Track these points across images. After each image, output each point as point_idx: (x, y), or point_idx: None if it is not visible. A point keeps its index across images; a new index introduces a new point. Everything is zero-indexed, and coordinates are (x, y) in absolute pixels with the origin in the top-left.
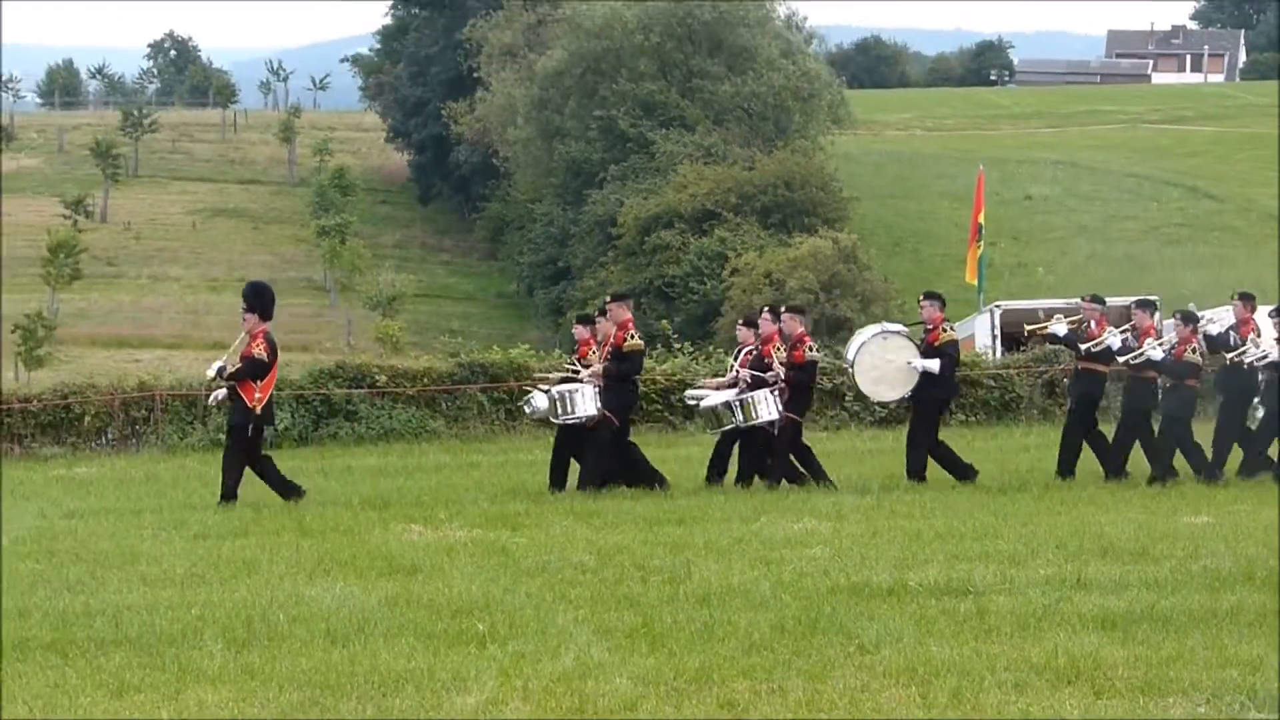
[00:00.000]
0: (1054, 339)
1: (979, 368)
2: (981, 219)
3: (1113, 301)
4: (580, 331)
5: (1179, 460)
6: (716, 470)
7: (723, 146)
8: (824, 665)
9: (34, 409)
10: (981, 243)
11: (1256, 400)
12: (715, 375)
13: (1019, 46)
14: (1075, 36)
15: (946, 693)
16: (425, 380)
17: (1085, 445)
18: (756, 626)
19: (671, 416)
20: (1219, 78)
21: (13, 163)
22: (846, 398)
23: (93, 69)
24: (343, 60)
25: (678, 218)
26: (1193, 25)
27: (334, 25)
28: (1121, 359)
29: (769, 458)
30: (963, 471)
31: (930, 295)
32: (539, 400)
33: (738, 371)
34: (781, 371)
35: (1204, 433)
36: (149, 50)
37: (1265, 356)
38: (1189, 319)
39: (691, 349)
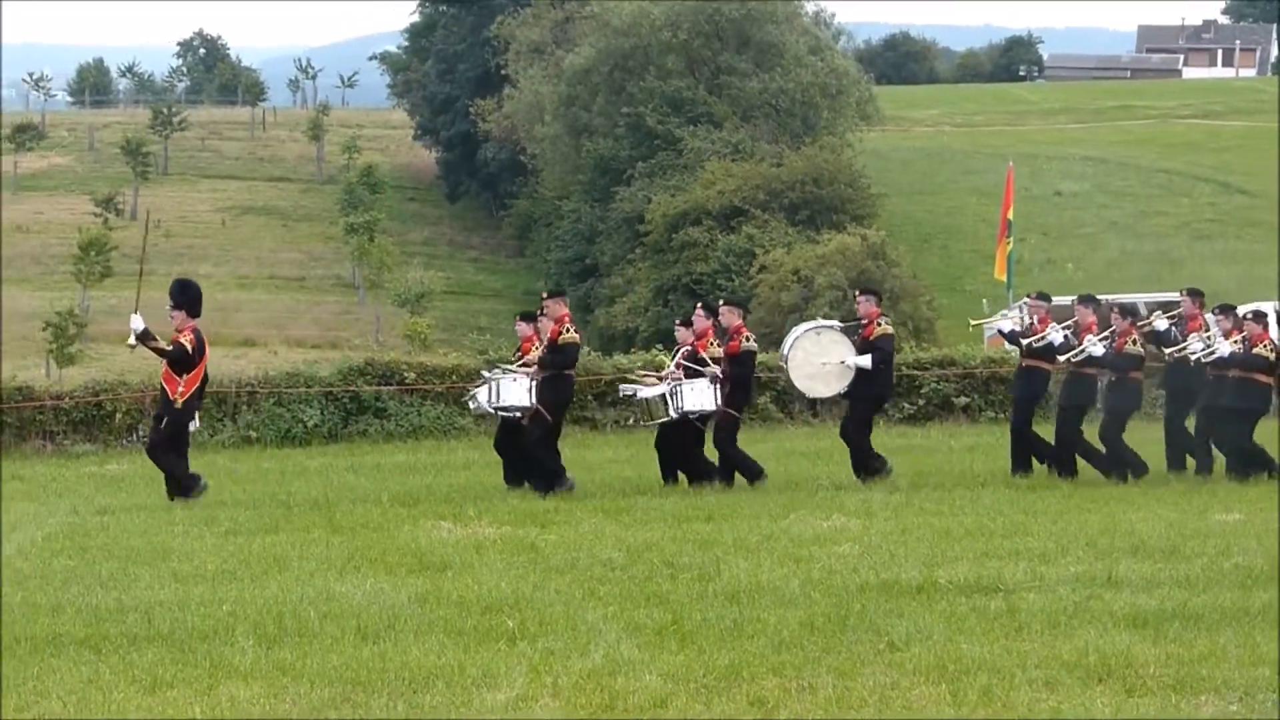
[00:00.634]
0: (998, 335)
1: (1009, 364)
2: (1011, 215)
3: (1140, 298)
4: (523, 328)
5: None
6: (670, 470)
7: (750, 143)
8: (854, 663)
9: (66, 406)
10: (1011, 239)
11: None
12: (657, 368)
13: (1048, 42)
14: (1105, 32)
15: (977, 690)
16: (454, 377)
17: (1010, 440)
18: (786, 624)
19: None
20: (1251, 72)
21: (43, 161)
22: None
23: (123, 67)
24: (371, 58)
25: (705, 215)
26: (1224, 20)
27: (362, 23)
28: (1062, 356)
29: (693, 457)
30: (878, 469)
31: (866, 290)
32: (480, 395)
33: (675, 367)
34: (717, 366)
35: (1150, 431)
36: (178, 49)
37: (1212, 353)
38: (1128, 312)
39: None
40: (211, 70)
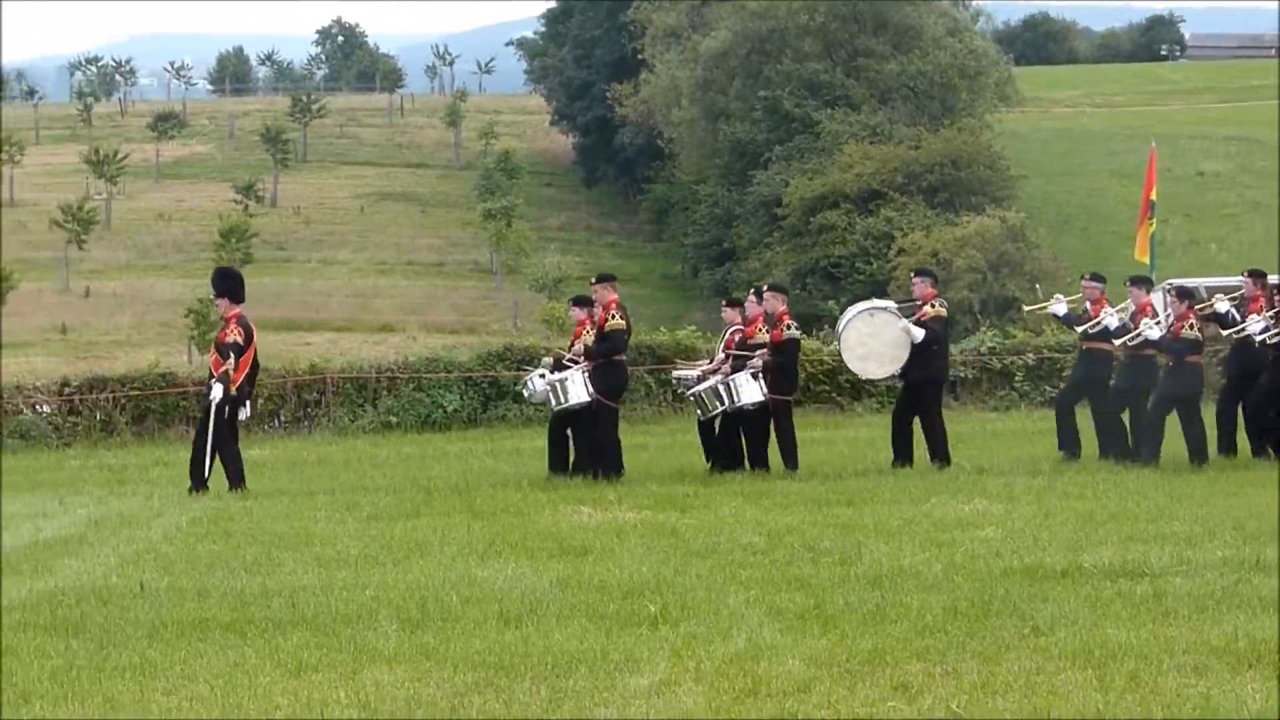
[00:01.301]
0: (1054, 319)
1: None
2: (1153, 195)
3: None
4: (577, 313)
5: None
6: (719, 455)
7: (888, 125)
8: (998, 647)
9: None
10: (1153, 220)
11: None
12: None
13: (1190, 21)
14: (1249, 10)
15: (1124, 676)
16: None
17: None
18: (929, 608)
19: (839, 397)
20: None
21: (184, 149)
22: (1016, 378)
23: (262, 56)
24: (508, 44)
25: (843, 198)
26: None
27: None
28: (1118, 340)
29: (755, 442)
30: (904, 459)
31: (922, 272)
32: (536, 383)
33: (723, 354)
34: (763, 352)
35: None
36: (317, 37)
37: (1277, 334)
38: (1185, 295)
39: None
40: (350, 57)
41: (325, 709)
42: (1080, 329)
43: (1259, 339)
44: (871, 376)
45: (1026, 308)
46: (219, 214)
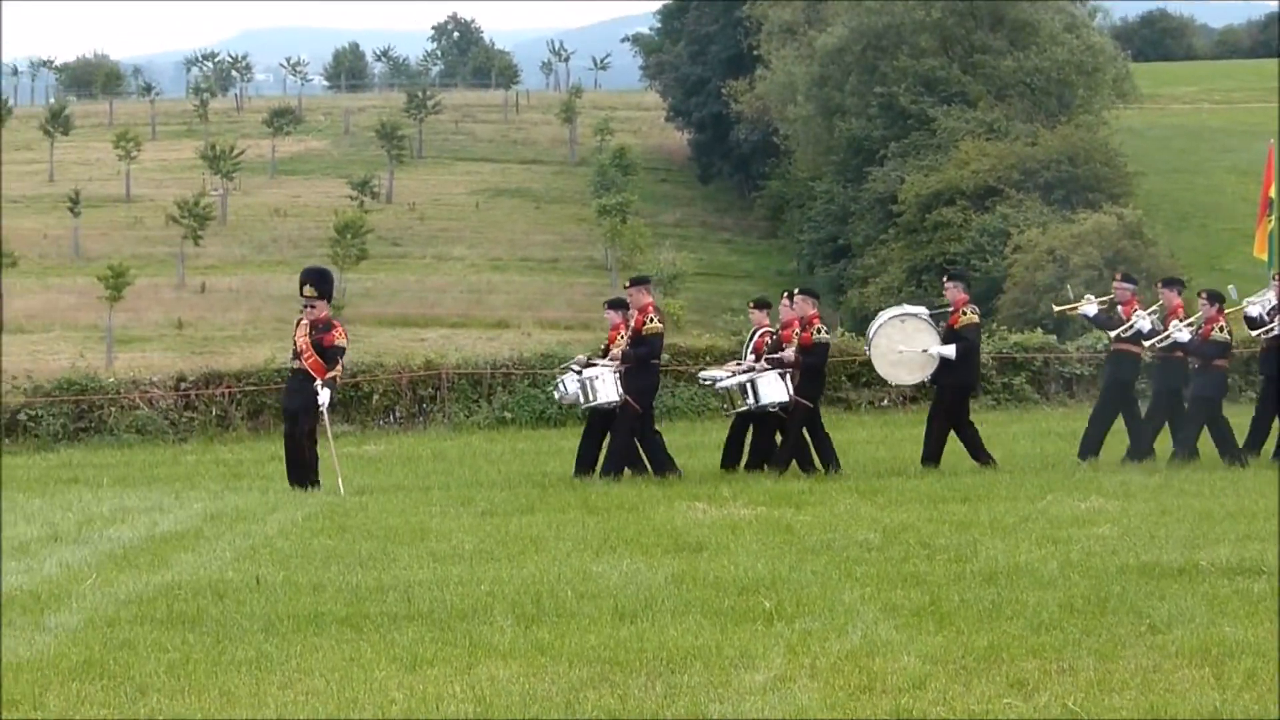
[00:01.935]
0: (1085, 319)
1: (1258, 344)
2: (1272, 193)
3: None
4: (612, 316)
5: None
6: (731, 455)
7: (1005, 122)
8: (1114, 644)
9: None
10: (1272, 217)
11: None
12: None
13: None
14: None
15: (1241, 674)
16: (707, 358)
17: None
18: (1045, 605)
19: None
20: None
21: (300, 145)
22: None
23: (378, 52)
24: (623, 40)
25: (959, 194)
26: None
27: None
28: (1148, 342)
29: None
30: (985, 459)
31: (954, 276)
32: (568, 384)
33: (752, 355)
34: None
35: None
36: (432, 33)
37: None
38: (1215, 298)
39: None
40: (465, 54)
41: (440, 704)
42: (1114, 332)
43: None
44: (902, 383)
45: (1057, 307)
46: (334, 210)
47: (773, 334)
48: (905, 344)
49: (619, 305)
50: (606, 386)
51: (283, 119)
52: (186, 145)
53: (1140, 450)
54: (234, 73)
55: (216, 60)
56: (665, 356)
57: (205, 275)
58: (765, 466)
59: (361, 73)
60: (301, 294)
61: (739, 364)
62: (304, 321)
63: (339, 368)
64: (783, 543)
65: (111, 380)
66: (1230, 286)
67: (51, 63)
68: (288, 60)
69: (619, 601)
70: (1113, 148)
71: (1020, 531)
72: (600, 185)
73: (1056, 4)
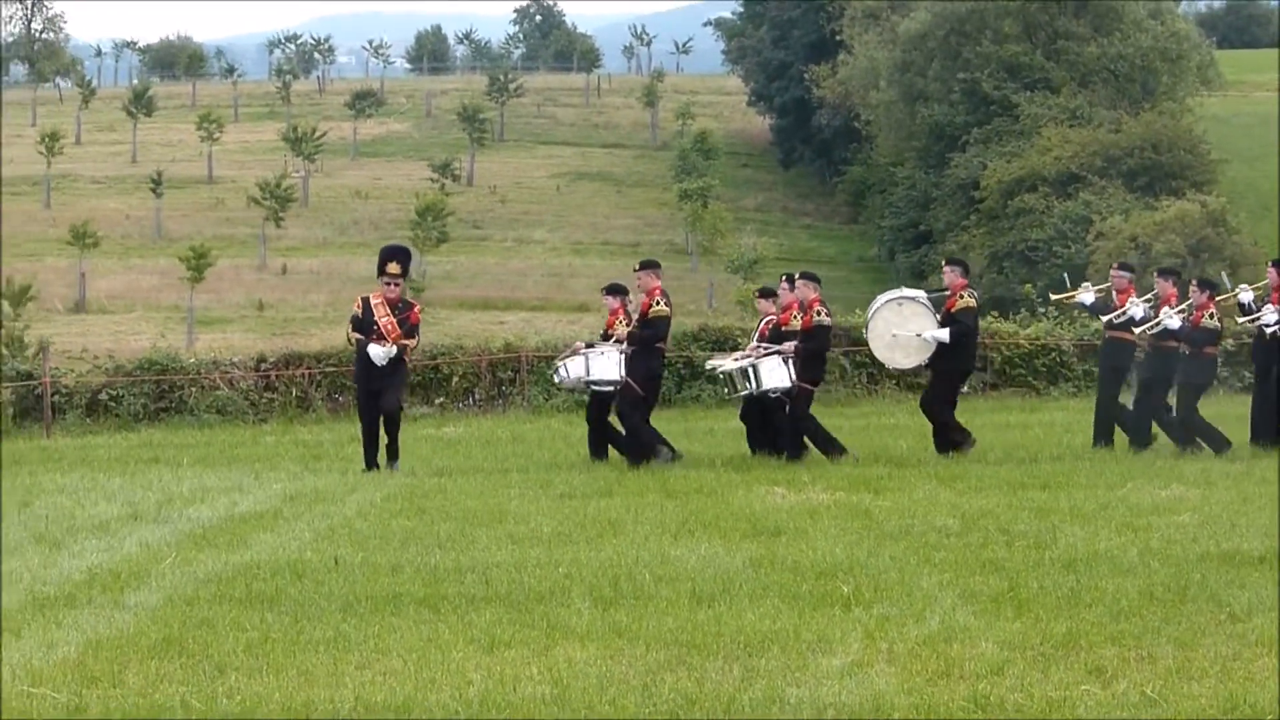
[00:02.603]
0: (1081, 308)
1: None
2: None
3: None
4: (610, 301)
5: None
6: (756, 438)
7: (1088, 109)
8: (1194, 633)
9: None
10: None
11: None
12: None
13: None
14: None
15: None
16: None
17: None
18: (1124, 593)
19: (1035, 381)
20: None
21: (382, 127)
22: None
23: (460, 35)
24: (705, 24)
25: (1041, 181)
26: None
27: None
28: (1138, 329)
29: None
30: (960, 443)
31: (953, 261)
32: (574, 367)
33: (756, 343)
34: (794, 341)
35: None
36: (514, 16)
37: None
38: (1205, 285)
39: (1055, 313)
40: (547, 37)
41: (517, 685)
42: (1106, 318)
43: (1270, 330)
44: (899, 367)
45: (1054, 296)
46: (415, 192)
47: (774, 320)
48: (900, 328)
49: (618, 291)
50: (609, 365)
51: (365, 101)
52: (268, 127)
53: (1141, 440)
54: (316, 55)
55: (299, 42)
56: (745, 341)
57: (286, 257)
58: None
59: (443, 55)
60: (384, 271)
61: (743, 353)
62: (379, 301)
63: (415, 340)
64: (861, 528)
65: (192, 361)
66: (1223, 273)
67: (135, 44)
68: (370, 43)
69: (697, 585)
70: (1196, 135)
71: (1100, 519)
72: (681, 169)
73: None
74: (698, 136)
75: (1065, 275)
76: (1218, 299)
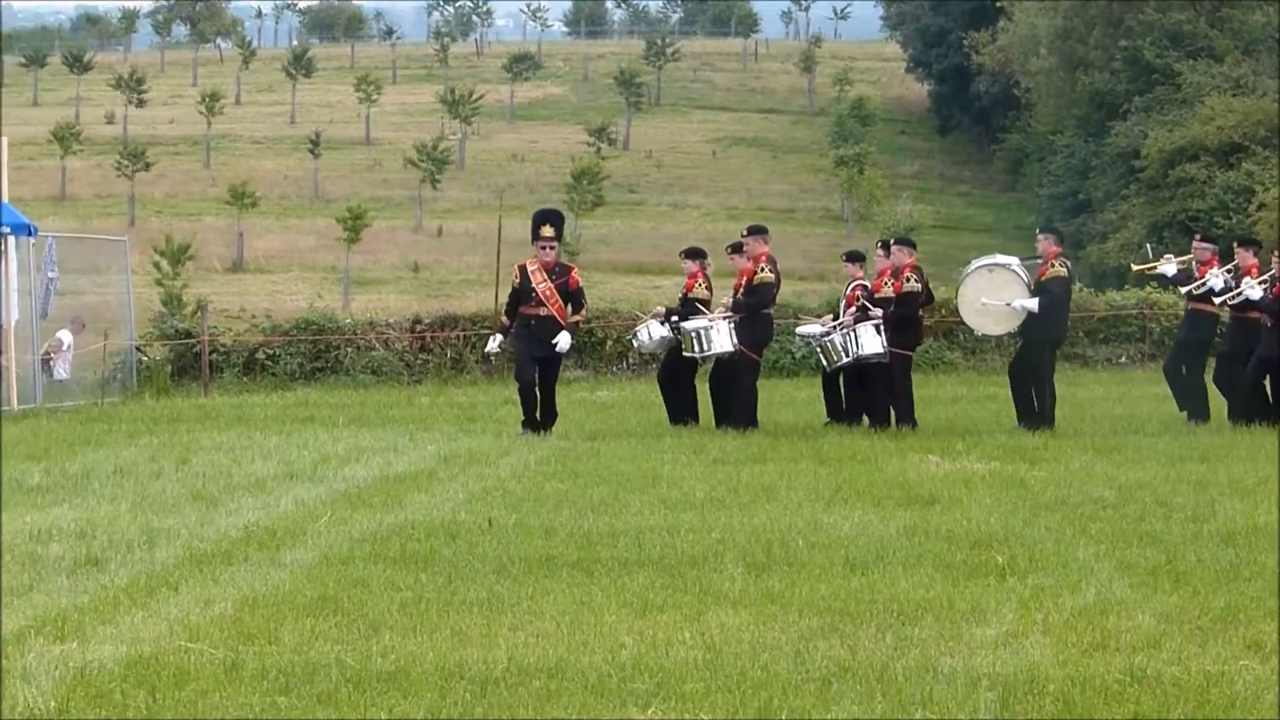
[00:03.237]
0: (1163, 279)
1: None
2: None
3: None
4: (689, 265)
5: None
6: (835, 408)
7: (1252, 78)
8: None
9: None
10: None
11: None
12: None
13: None
14: None
15: None
16: (943, 311)
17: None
18: None
19: None
20: None
21: (539, 90)
22: None
23: None
24: None
25: (1203, 151)
26: None
27: None
28: (1218, 299)
29: (875, 396)
30: (1049, 418)
31: (1046, 228)
32: (654, 330)
33: (845, 308)
34: (883, 308)
35: None
36: None
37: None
38: None
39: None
40: (704, 2)
41: (670, 649)
42: (1186, 289)
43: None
44: (989, 333)
45: (1135, 266)
46: (571, 156)
47: (865, 286)
48: (990, 295)
49: (696, 254)
50: (721, 336)
51: (522, 64)
52: (426, 89)
53: (1199, 411)
54: (474, 18)
55: (457, 5)
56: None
57: (442, 219)
58: (866, 418)
59: (601, 19)
60: (538, 235)
61: (832, 318)
62: (536, 267)
63: (585, 311)
64: (1016, 498)
65: (348, 321)
66: None
67: (294, 6)
68: (528, 6)
69: (850, 552)
70: None
71: (1260, 492)
72: (838, 136)
73: None
74: (855, 103)
75: (1149, 246)
76: None
